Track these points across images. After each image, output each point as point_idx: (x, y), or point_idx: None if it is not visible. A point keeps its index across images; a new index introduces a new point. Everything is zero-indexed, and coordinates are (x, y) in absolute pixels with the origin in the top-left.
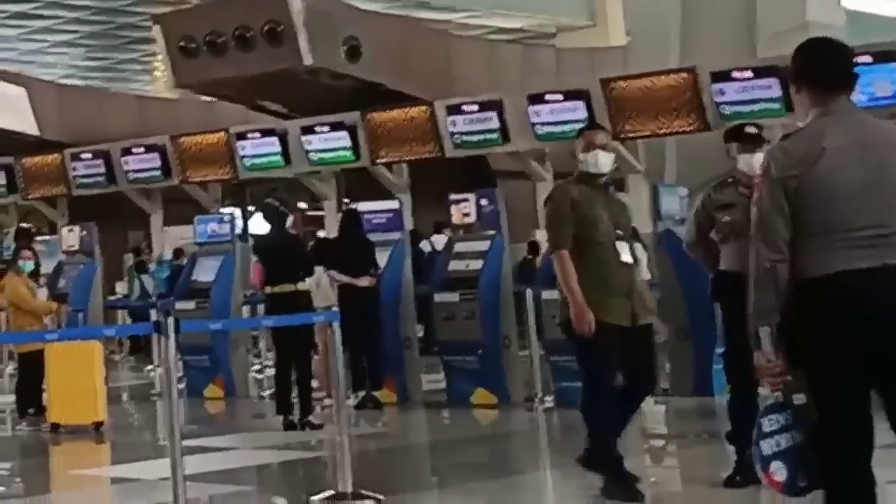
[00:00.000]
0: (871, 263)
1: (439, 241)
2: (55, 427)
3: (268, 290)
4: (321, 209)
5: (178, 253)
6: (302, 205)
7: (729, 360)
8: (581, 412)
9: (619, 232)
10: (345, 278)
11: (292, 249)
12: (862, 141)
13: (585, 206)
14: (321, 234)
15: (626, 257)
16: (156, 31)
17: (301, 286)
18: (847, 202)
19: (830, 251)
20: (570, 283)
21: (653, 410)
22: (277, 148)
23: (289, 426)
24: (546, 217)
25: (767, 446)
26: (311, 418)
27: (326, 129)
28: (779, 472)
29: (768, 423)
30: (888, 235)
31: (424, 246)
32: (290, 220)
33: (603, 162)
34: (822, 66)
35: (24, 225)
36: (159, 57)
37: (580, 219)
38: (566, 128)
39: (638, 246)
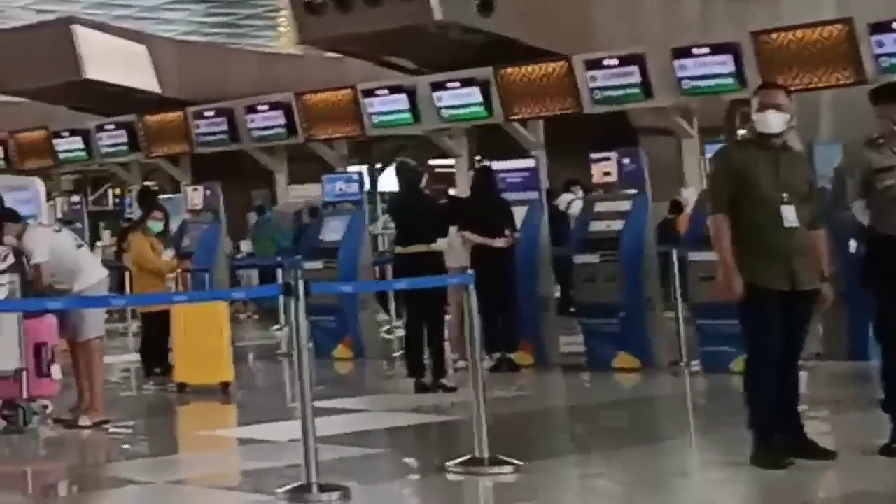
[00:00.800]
0: None
1: (563, 200)
2: (182, 387)
3: (399, 250)
4: (451, 166)
5: (312, 211)
6: (433, 161)
7: (881, 325)
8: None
9: (784, 195)
10: (479, 239)
11: (425, 209)
12: None
13: (747, 168)
14: (452, 191)
15: (790, 221)
16: None
17: (434, 247)
18: None
19: None
20: (721, 245)
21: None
22: (406, 104)
23: (420, 388)
24: (707, 179)
25: None
26: (444, 381)
27: (457, 84)
28: None
29: None
30: None
31: (561, 203)
32: (423, 179)
33: (773, 122)
34: None
35: (147, 183)
36: (283, 13)
37: (739, 181)
38: (713, 82)
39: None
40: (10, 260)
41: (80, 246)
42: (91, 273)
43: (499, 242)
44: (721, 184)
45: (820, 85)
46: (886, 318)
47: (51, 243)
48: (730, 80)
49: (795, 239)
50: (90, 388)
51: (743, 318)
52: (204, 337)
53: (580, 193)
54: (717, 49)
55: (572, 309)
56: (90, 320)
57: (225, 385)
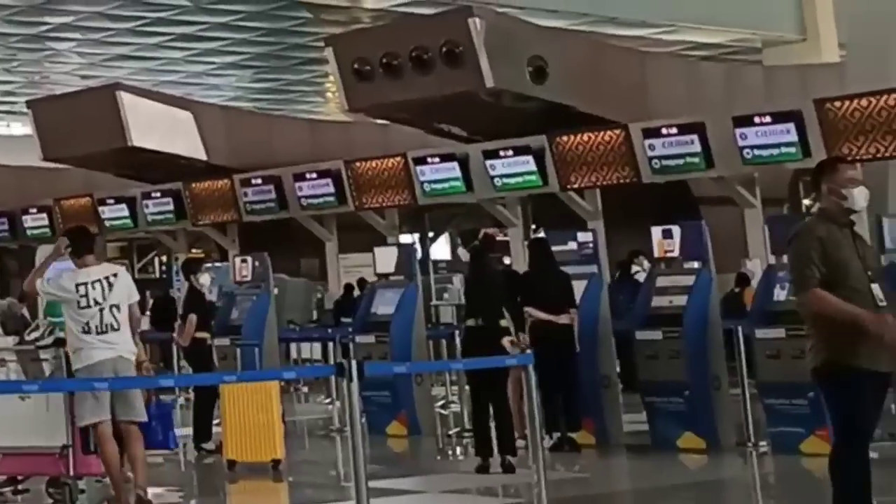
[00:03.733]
0: None
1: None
2: (232, 464)
3: (471, 322)
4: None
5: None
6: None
7: None
8: (829, 467)
9: (869, 273)
10: (543, 315)
11: (495, 284)
12: None
13: (834, 246)
14: (507, 260)
15: (881, 300)
16: (328, 54)
17: (503, 322)
18: None
19: None
20: (840, 308)
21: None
22: (458, 173)
23: (482, 469)
24: (791, 257)
25: None
26: (511, 459)
27: (511, 153)
28: None
29: None
30: None
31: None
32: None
33: (861, 199)
34: None
35: (193, 252)
36: (331, 79)
37: (829, 261)
38: (775, 151)
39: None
40: (57, 333)
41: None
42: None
43: (563, 319)
44: (811, 262)
45: (887, 155)
46: None
47: None
48: (793, 150)
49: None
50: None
51: (838, 401)
52: (254, 413)
53: (645, 265)
54: (779, 117)
55: (635, 387)
56: (82, 404)
57: (276, 463)
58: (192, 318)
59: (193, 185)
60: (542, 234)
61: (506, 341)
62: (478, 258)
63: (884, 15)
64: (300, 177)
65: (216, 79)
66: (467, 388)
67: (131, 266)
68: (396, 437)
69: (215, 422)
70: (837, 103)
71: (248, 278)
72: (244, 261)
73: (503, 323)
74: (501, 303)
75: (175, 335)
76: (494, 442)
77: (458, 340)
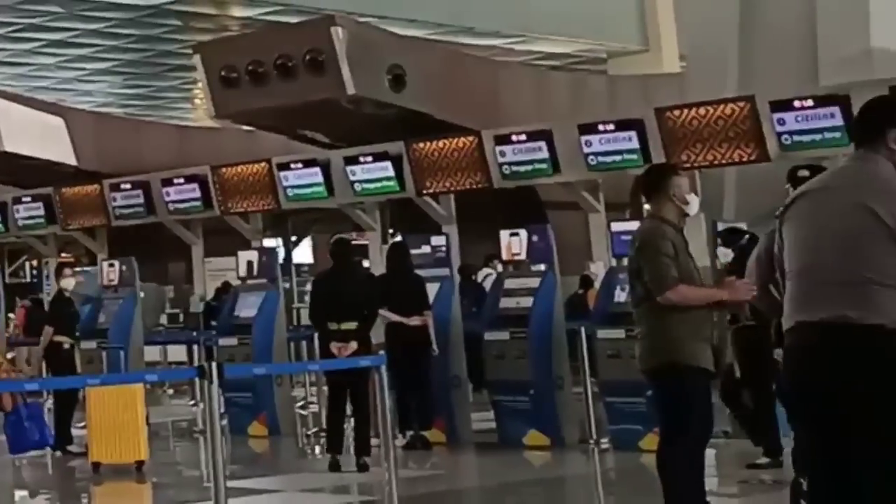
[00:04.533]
0: None
1: (482, 274)
2: (97, 466)
3: (333, 326)
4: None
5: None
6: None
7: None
8: (658, 465)
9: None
10: (395, 317)
11: (368, 286)
12: None
13: (681, 251)
14: (365, 263)
15: None
16: (196, 61)
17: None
18: None
19: None
20: (701, 293)
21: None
22: (320, 178)
23: (334, 467)
24: (649, 259)
25: None
26: (366, 459)
27: (370, 159)
28: None
29: None
30: None
31: (480, 277)
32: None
33: (695, 205)
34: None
35: (63, 257)
36: (199, 86)
37: (679, 265)
38: (618, 158)
39: None
40: None
41: None
42: None
43: (414, 321)
44: (670, 263)
45: (724, 162)
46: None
47: None
48: (635, 157)
49: (716, 322)
50: None
51: (676, 400)
52: (119, 415)
53: (500, 268)
54: (621, 125)
55: (484, 388)
56: None
57: (140, 464)
58: (48, 329)
59: (64, 189)
60: (399, 239)
61: (334, 346)
62: (340, 261)
63: (722, 27)
64: (168, 182)
65: (88, 85)
66: (325, 388)
67: (2, 271)
68: (257, 438)
69: (80, 425)
70: (677, 112)
71: (116, 282)
72: (111, 265)
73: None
74: (363, 306)
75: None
76: (351, 441)
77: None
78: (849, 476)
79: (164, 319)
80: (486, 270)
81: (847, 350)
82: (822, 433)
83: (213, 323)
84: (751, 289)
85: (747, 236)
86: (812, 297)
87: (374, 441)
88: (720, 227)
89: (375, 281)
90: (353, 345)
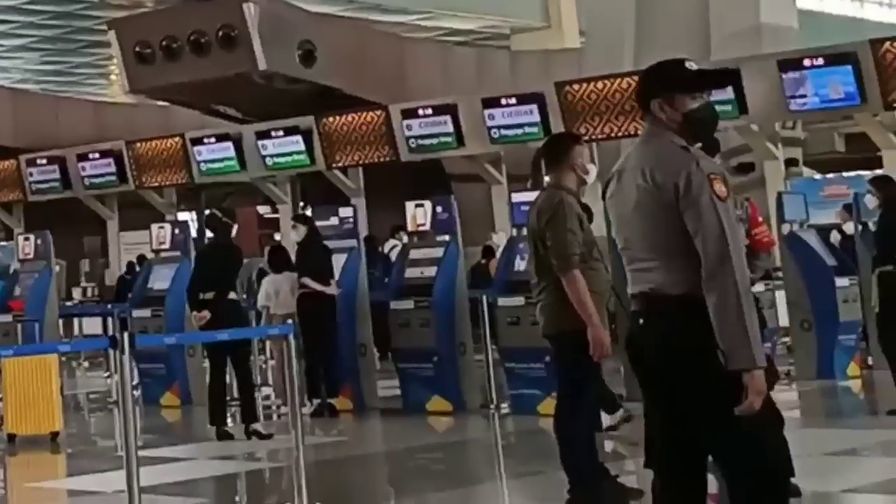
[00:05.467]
0: None
1: (389, 245)
2: (11, 437)
3: (199, 296)
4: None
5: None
6: (261, 208)
7: None
8: (555, 424)
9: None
10: (317, 286)
11: (224, 258)
12: None
13: (585, 222)
14: (277, 236)
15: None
16: (111, 37)
17: (232, 295)
18: None
19: None
20: (587, 302)
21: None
22: (233, 153)
23: (223, 436)
24: (555, 235)
25: None
26: (257, 427)
27: (281, 133)
28: None
29: None
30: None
31: (387, 248)
32: (233, 230)
33: (594, 174)
34: None
35: None
36: (115, 62)
37: (585, 237)
38: (520, 131)
39: None
40: None
41: None
42: None
43: (333, 289)
44: (575, 241)
45: (620, 134)
46: None
47: None
48: (535, 129)
49: (612, 290)
50: None
51: (574, 367)
52: (33, 387)
53: (405, 239)
54: (523, 99)
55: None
56: None
57: (55, 435)
58: None
59: None
60: (308, 212)
61: (194, 315)
62: (223, 236)
63: (619, 5)
64: (83, 157)
65: (4, 61)
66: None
67: None
68: (170, 408)
69: None
70: (576, 86)
71: (31, 256)
72: (27, 239)
73: (232, 296)
74: (233, 278)
75: None
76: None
77: None
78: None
79: (77, 294)
80: (392, 241)
81: (657, 317)
82: (648, 388)
83: (128, 296)
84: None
85: None
86: (630, 272)
87: (283, 409)
88: None
89: (238, 253)
90: (205, 314)
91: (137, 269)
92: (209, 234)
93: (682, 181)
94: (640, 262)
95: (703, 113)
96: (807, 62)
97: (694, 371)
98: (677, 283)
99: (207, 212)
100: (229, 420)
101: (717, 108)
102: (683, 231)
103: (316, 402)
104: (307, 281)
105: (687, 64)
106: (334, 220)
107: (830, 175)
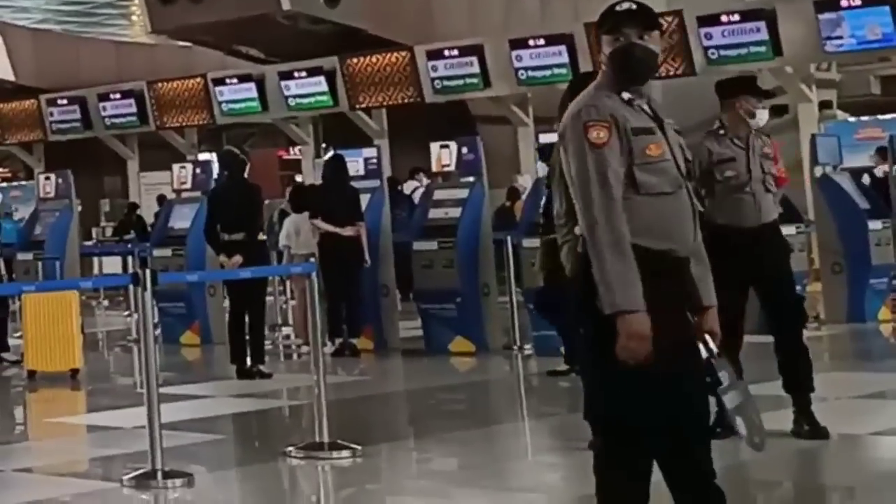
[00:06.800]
0: None
1: (409, 186)
2: (32, 374)
3: (225, 237)
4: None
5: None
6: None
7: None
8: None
9: None
10: (328, 227)
11: (251, 198)
12: None
13: None
14: (298, 178)
15: None
16: None
17: (261, 236)
18: None
19: None
20: None
21: None
22: (255, 93)
23: (243, 374)
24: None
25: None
26: (262, 367)
27: (304, 74)
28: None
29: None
30: None
31: (407, 189)
32: (247, 168)
33: None
34: None
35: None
36: (136, 2)
37: None
38: (548, 73)
39: None
40: None
41: None
42: None
43: (348, 231)
44: None
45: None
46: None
47: None
48: (564, 71)
49: None
50: None
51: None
52: (54, 324)
53: (424, 181)
54: (551, 40)
55: (412, 295)
56: None
57: (75, 372)
58: None
59: (1, 105)
60: (339, 152)
61: (222, 258)
62: (237, 174)
63: None
64: (104, 97)
65: (25, 1)
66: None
67: None
68: (190, 346)
69: (17, 335)
70: None
71: (52, 195)
72: (48, 178)
73: (261, 237)
74: (257, 218)
75: None
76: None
77: None
78: None
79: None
80: (412, 183)
81: (585, 259)
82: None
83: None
84: None
85: None
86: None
87: (305, 348)
88: None
89: (259, 192)
90: (238, 258)
91: (138, 210)
92: (219, 171)
93: (563, 129)
94: (561, 218)
95: (622, 55)
96: (844, 2)
97: (580, 318)
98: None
99: (225, 148)
100: (249, 359)
101: (752, 49)
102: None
103: (338, 341)
104: (317, 222)
105: (618, 6)
106: (359, 161)
107: (865, 118)
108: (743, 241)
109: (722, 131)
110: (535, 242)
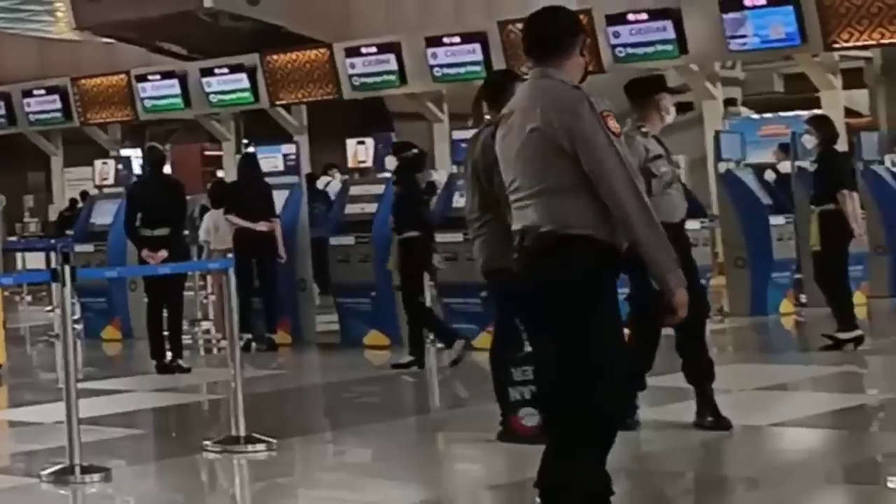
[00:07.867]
0: None
1: (321, 182)
2: None
3: (148, 232)
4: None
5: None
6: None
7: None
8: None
9: None
10: (242, 222)
11: (171, 194)
12: None
13: None
14: (220, 173)
15: None
16: None
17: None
18: None
19: None
20: None
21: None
22: (177, 90)
23: (162, 369)
24: None
25: (516, 393)
26: (181, 362)
27: (225, 70)
28: (529, 418)
29: (520, 374)
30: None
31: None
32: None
33: None
34: None
35: None
36: None
37: None
38: (462, 70)
39: None
40: None
41: None
42: None
43: (261, 227)
44: None
45: None
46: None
47: None
48: (478, 68)
49: None
50: None
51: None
52: None
53: (338, 176)
54: (466, 38)
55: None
56: None
57: None
58: None
59: None
60: (251, 150)
61: (145, 253)
62: (153, 169)
63: None
64: (28, 93)
65: None
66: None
67: None
68: (111, 342)
69: None
70: (519, 25)
71: None
72: None
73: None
74: (179, 213)
75: None
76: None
77: None
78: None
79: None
80: (324, 178)
81: (535, 252)
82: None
83: (69, 232)
84: None
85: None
86: (515, 209)
87: (223, 343)
88: None
89: (183, 188)
90: (163, 253)
91: (80, 205)
92: (141, 166)
93: (575, 120)
94: (524, 201)
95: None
96: (748, 2)
97: (561, 306)
98: (554, 219)
99: (148, 144)
100: (169, 354)
101: (658, 47)
102: (570, 169)
103: (245, 337)
104: (231, 218)
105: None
106: (277, 157)
107: (768, 115)
108: (669, 234)
109: (644, 129)
110: (448, 237)
